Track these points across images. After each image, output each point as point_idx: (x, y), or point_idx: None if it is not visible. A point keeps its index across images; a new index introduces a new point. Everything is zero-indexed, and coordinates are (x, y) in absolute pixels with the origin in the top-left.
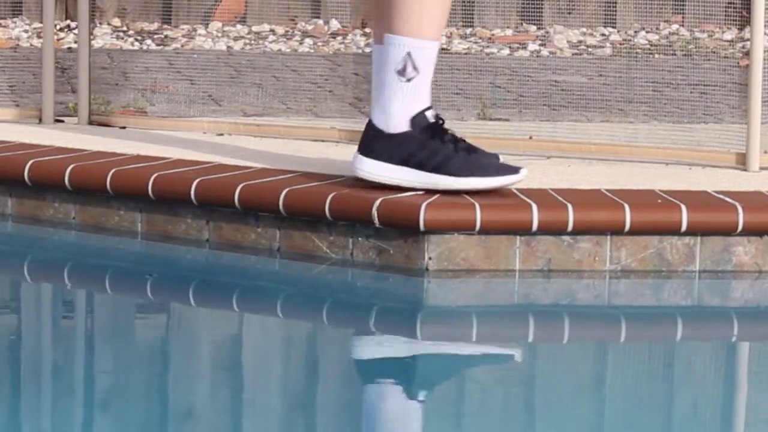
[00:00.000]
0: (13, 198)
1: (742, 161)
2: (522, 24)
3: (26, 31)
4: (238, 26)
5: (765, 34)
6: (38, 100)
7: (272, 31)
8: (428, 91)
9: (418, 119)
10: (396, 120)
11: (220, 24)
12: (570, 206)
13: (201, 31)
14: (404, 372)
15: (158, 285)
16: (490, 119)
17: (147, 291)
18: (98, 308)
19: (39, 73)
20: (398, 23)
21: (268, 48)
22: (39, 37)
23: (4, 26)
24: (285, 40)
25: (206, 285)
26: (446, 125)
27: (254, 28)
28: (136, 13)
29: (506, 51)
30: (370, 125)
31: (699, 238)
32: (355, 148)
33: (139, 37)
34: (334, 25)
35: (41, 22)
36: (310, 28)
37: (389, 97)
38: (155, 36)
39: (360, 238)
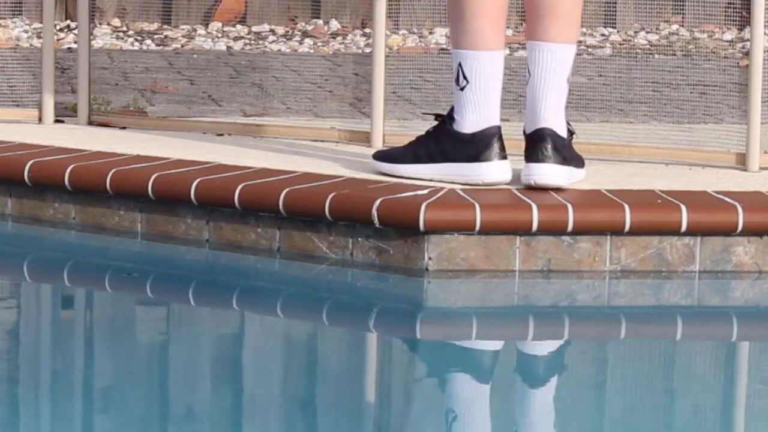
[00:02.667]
0: (13, 198)
1: (742, 161)
2: (522, 24)
3: (26, 31)
4: (238, 26)
5: (765, 34)
6: (38, 100)
7: (272, 31)
8: None
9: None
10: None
11: (220, 24)
12: (570, 206)
13: (201, 31)
14: (404, 372)
15: (158, 285)
16: None
17: (147, 291)
18: (98, 308)
19: (39, 73)
20: (574, 31)
21: (268, 48)
22: (39, 37)
23: (4, 26)
24: (285, 40)
25: (206, 285)
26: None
27: (254, 28)
28: (136, 13)
29: (506, 51)
30: (552, 135)
31: (699, 238)
32: (355, 148)
33: (139, 37)
34: (334, 25)
35: (41, 22)
36: (310, 28)
37: (563, 104)
38: (155, 36)
39: (360, 238)
